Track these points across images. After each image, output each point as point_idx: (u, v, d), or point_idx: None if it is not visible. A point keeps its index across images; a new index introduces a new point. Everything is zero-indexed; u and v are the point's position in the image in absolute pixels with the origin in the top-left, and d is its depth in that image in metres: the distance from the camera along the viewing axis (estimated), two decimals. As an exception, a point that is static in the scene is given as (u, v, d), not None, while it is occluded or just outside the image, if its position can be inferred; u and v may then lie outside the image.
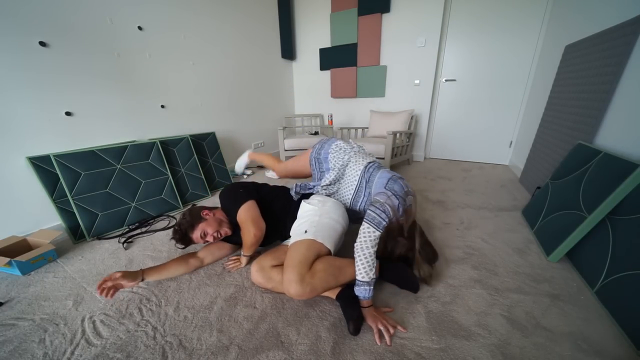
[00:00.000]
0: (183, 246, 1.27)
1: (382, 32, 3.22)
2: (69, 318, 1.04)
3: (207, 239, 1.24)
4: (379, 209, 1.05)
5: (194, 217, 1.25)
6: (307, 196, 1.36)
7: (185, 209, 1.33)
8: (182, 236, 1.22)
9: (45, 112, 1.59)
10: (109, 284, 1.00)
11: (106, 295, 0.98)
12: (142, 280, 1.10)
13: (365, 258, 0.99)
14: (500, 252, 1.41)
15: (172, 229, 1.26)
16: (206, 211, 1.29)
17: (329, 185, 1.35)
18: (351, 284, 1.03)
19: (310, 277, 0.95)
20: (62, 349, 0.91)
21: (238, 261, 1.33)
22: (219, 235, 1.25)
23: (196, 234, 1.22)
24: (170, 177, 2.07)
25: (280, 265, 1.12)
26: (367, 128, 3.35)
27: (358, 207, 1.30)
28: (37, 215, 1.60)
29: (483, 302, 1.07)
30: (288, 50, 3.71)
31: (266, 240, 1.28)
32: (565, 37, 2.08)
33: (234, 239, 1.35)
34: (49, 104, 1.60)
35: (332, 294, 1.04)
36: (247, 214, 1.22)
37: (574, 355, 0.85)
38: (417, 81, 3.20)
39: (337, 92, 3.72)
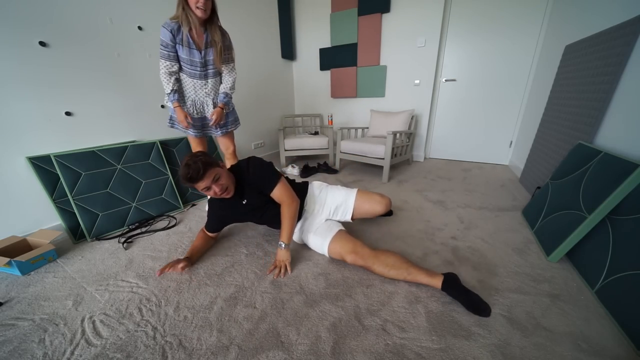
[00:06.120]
0: (190, 184, 1.13)
1: (382, 32, 3.21)
2: (69, 318, 1.04)
3: (215, 187, 1.18)
4: None
5: (213, 160, 1.21)
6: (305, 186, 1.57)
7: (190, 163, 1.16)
8: (196, 172, 1.10)
9: (45, 112, 1.59)
10: (168, 269, 1.24)
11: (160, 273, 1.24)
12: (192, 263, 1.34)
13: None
14: (500, 252, 1.41)
15: (184, 164, 1.12)
16: (222, 163, 1.27)
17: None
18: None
19: None
20: (62, 349, 0.91)
21: (281, 265, 1.28)
22: (226, 191, 1.22)
23: (209, 176, 1.15)
24: (171, 177, 2.07)
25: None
26: (367, 128, 3.35)
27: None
28: (37, 215, 1.60)
29: (483, 302, 1.07)
30: (288, 50, 3.71)
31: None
32: (565, 37, 2.07)
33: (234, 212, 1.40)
34: (49, 104, 1.60)
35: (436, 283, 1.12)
36: (286, 188, 1.33)
37: (574, 355, 0.85)
38: (417, 81, 3.20)
39: (337, 92, 3.72)
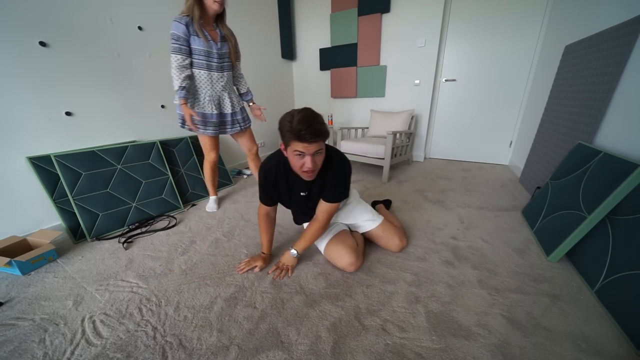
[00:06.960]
0: (296, 140, 0.92)
1: (382, 32, 3.21)
2: (69, 318, 1.04)
3: (309, 161, 0.97)
4: None
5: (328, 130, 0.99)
6: None
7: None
8: (313, 134, 0.91)
9: (46, 112, 1.59)
10: (246, 268, 1.28)
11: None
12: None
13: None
14: (500, 252, 1.41)
15: (303, 116, 0.92)
16: None
17: None
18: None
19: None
20: (62, 349, 0.91)
21: (283, 268, 1.27)
22: (313, 171, 1.03)
23: (318, 146, 0.96)
24: (171, 177, 2.07)
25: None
26: (367, 128, 3.35)
27: None
28: (37, 215, 1.61)
29: (483, 302, 1.07)
30: (288, 50, 3.71)
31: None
32: (565, 37, 2.08)
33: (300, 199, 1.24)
34: (49, 104, 1.60)
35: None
36: (335, 211, 1.24)
37: (574, 355, 0.85)
38: (417, 81, 3.20)
39: (337, 92, 3.72)
